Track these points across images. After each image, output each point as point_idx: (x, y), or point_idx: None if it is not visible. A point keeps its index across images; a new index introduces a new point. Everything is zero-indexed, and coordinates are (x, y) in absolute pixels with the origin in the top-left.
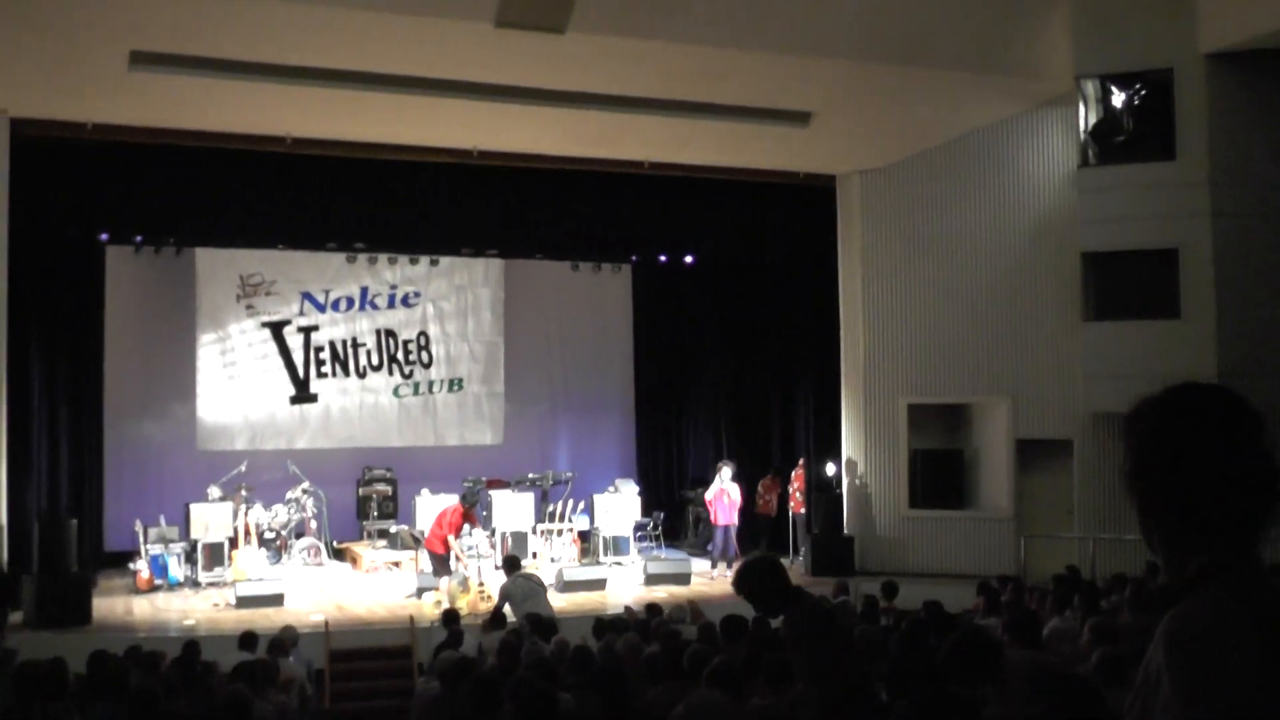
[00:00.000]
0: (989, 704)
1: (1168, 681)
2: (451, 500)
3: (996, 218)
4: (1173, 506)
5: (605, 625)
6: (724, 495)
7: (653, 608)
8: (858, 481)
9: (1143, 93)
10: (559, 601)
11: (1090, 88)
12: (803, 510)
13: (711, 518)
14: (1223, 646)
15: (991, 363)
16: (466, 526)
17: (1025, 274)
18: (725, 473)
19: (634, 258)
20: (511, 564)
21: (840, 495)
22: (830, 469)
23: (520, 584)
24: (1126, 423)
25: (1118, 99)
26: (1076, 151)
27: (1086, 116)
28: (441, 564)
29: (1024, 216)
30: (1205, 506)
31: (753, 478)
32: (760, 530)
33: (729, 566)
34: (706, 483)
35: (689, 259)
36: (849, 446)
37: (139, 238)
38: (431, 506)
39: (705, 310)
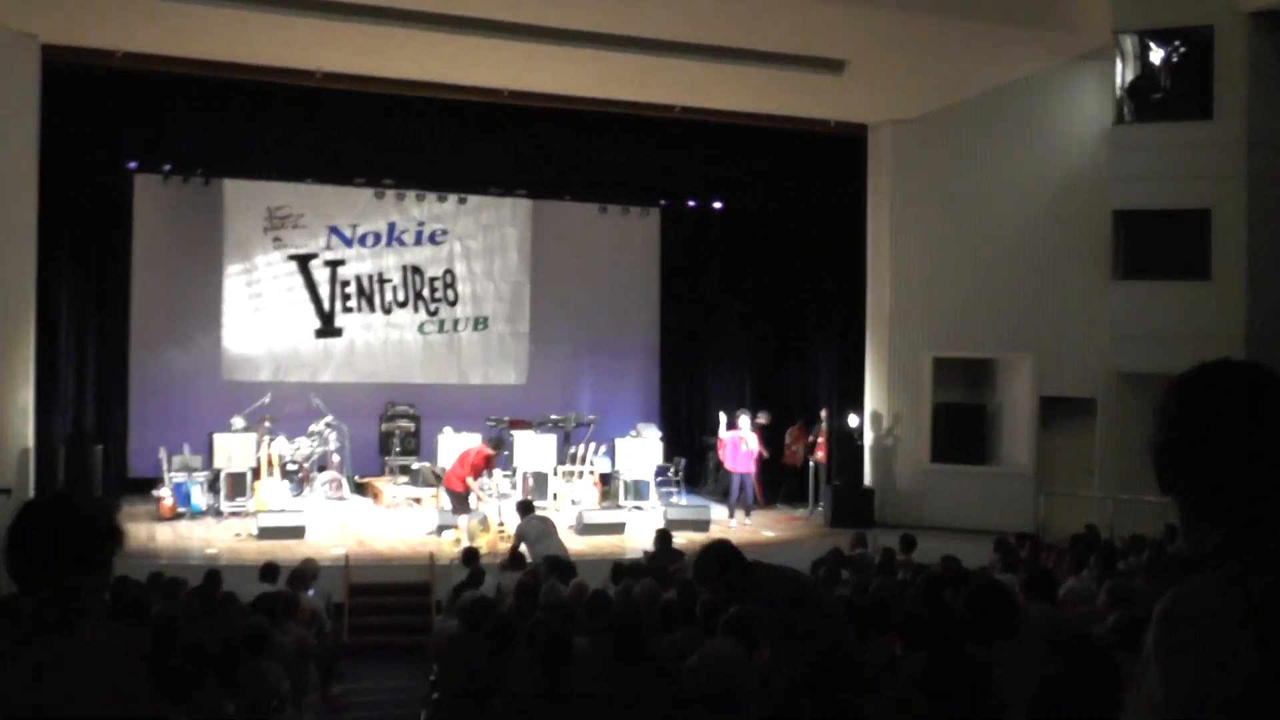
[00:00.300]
0: (1004, 662)
1: (1154, 662)
2: (474, 439)
3: (1027, 172)
4: (1197, 481)
5: (623, 570)
6: (741, 443)
7: (663, 534)
8: (884, 434)
9: (1181, 50)
10: (578, 544)
11: (1128, 43)
12: (825, 461)
13: (728, 464)
14: (1215, 635)
15: (1017, 318)
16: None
17: (1054, 230)
18: (743, 420)
19: (662, 202)
20: (525, 508)
21: (861, 447)
22: (853, 420)
23: (534, 524)
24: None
25: (1156, 55)
26: (1111, 108)
27: (1123, 72)
28: (460, 502)
29: (1055, 172)
30: (1229, 483)
31: (776, 427)
32: (782, 479)
33: (747, 515)
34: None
35: (717, 205)
36: (872, 398)
37: (168, 166)
38: (454, 444)
39: (732, 256)
